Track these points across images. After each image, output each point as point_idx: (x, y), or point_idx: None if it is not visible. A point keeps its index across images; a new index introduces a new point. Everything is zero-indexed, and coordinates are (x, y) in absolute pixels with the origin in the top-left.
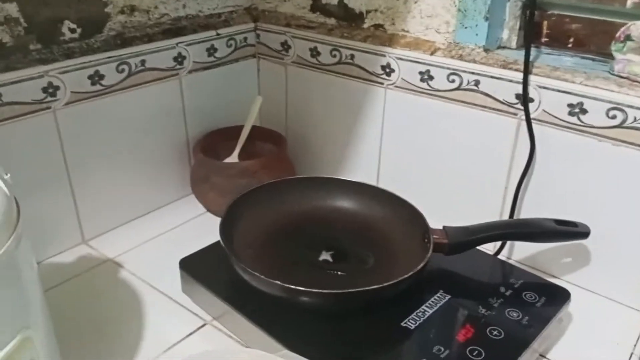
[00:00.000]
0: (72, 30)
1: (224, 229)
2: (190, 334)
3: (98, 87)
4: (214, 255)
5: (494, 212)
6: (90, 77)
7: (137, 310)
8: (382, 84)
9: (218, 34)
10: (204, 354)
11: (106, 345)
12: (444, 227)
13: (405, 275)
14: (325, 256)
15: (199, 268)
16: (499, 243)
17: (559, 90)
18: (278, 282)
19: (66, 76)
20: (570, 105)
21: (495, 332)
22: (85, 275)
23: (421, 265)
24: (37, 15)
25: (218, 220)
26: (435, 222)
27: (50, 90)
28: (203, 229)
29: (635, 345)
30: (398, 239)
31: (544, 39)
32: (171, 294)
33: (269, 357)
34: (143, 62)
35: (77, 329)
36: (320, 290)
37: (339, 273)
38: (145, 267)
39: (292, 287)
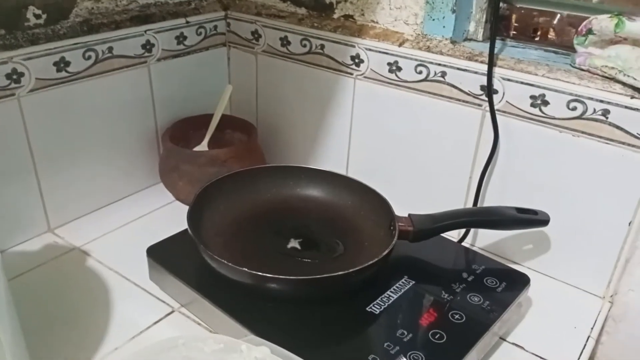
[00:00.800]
0: (37, 16)
1: (191, 216)
2: (158, 320)
3: (64, 74)
4: (182, 244)
5: (459, 200)
6: (55, 63)
7: (104, 299)
8: (352, 74)
9: (187, 22)
10: (171, 339)
11: (74, 333)
12: (409, 214)
13: (370, 262)
14: (294, 244)
15: (167, 256)
16: (462, 230)
17: (522, 82)
18: (245, 269)
19: (31, 62)
20: (532, 97)
21: (457, 316)
22: (52, 264)
23: (386, 252)
24: (1, 1)
25: (187, 208)
26: (402, 210)
27: (15, 77)
28: (171, 218)
29: (592, 329)
30: (365, 227)
31: (512, 32)
32: (139, 281)
33: (235, 342)
34: (110, 49)
35: (43, 318)
36: (286, 277)
37: (307, 260)
38: (113, 256)
39: (259, 273)
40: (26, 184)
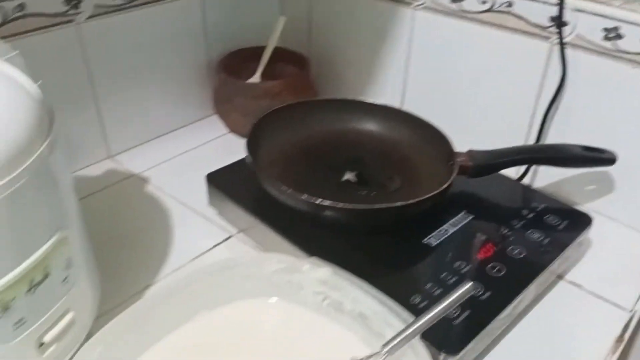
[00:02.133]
0: None
1: (249, 145)
2: (217, 244)
3: (121, 0)
4: (240, 172)
5: (520, 137)
6: None
7: (164, 223)
8: (410, 4)
9: None
10: (234, 258)
11: (137, 254)
12: (469, 150)
13: (430, 194)
14: (349, 176)
15: (226, 182)
16: (522, 169)
17: (595, 14)
18: (304, 197)
19: None
20: (605, 29)
21: (516, 252)
22: (112, 189)
23: (445, 185)
24: None
25: (240, 140)
26: (459, 146)
27: (74, 2)
28: (226, 149)
29: None
30: (422, 162)
31: None
32: (197, 208)
33: (298, 262)
34: None
35: (107, 238)
36: (346, 206)
37: (363, 193)
38: (171, 183)
39: (318, 202)
40: (87, 111)
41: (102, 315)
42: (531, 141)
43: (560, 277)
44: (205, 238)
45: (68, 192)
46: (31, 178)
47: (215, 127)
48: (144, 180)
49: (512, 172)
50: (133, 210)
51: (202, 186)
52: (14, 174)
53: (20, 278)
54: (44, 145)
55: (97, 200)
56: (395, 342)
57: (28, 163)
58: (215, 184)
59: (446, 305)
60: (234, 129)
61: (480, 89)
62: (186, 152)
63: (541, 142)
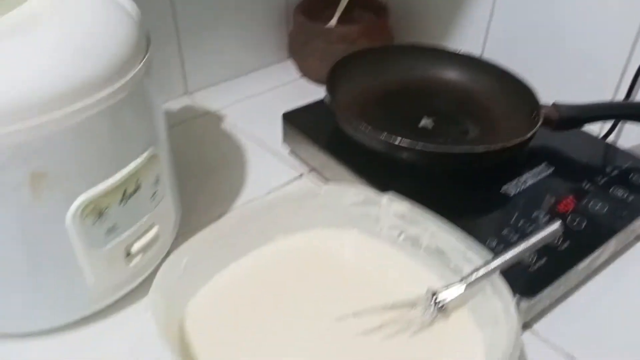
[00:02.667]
0: None
1: (329, 84)
2: (290, 182)
3: None
4: (315, 112)
5: (608, 93)
6: None
7: (238, 159)
8: None
9: None
10: (313, 187)
11: (212, 184)
12: (554, 102)
13: (513, 142)
14: (425, 123)
15: (301, 121)
16: (607, 126)
17: None
18: (383, 136)
19: None
20: None
21: (598, 207)
22: (189, 124)
23: (529, 134)
24: None
25: (313, 85)
26: (542, 99)
27: None
28: (300, 92)
29: None
30: (502, 113)
31: None
32: (271, 146)
33: (376, 195)
34: None
35: (185, 169)
36: (425, 148)
37: (440, 140)
38: (246, 121)
39: (397, 141)
40: (169, 46)
41: (181, 236)
42: (619, 98)
43: (638, 238)
44: (278, 175)
45: (159, 112)
46: (130, 93)
47: (290, 71)
48: (219, 118)
49: (596, 130)
50: (208, 146)
51: (276, 126)
52: (115, 87)
53: (115, 187)
54: (141, 64)
55: (175, 133)
56: (475, 276)
57: (127, 78)
58: (291, 122)
59: (532, 244)
60: (307, 73)
61: (568, 39)
62: (261, 94)
63: (631, 100)
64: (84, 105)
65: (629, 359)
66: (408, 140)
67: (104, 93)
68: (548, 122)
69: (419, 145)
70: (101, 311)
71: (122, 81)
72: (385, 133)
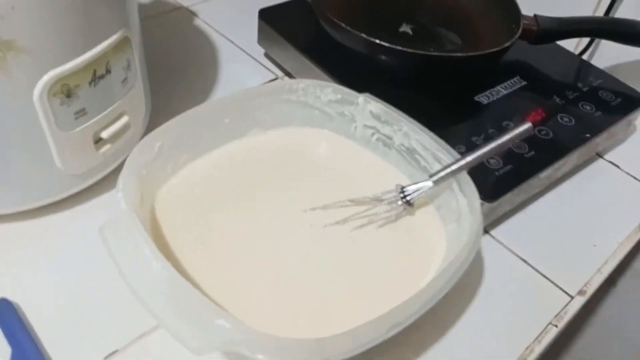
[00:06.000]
0: None
1: None
2: (264, 83)
3: None
4: (295, 10)
5: (588, 8)
6: None
7: (211, 58)
8: None
9: None
10: (292, 82)
11: (183, 81)
12: (535, 14)
13: (490, 50)
14: (405, 28)
15: (279, 20)
16: (583, 43)
17: None
18: (363, 36)
19: None
20: None
21: (566, 119)
22: (161, 18)
23: (507, 44)
24: None
25: None
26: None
27: None
28: None
29: None
30: (484, 22)
31: None
32: (245, 46)
33: (353, 94)
34: None
35: (157, 62)
36: (405, 49)
37: (419, 45)
38: (220, 18)
39: (377, 41)
40: None
41: (151, 130)
42: (599, 14)
43: (600, 155)
44: (252, 76)
45: None
46: None
47: None
48: (192, 14)
49: (572, 47)
50: (180, 42)
51: (251, 24)
52: None
53: (85, 66)
54: None
55: (146, 27)
56: (443, 172)
57: None
58: (267, 21)
59: (504, 141)
60: None
61: None
62: None
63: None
64: None
65: (578, 268)
66: (387, 43)
67: None
68: (527, 34)
69: (398, 47)
70: (71, 198)
71: None
72: (364, 34)
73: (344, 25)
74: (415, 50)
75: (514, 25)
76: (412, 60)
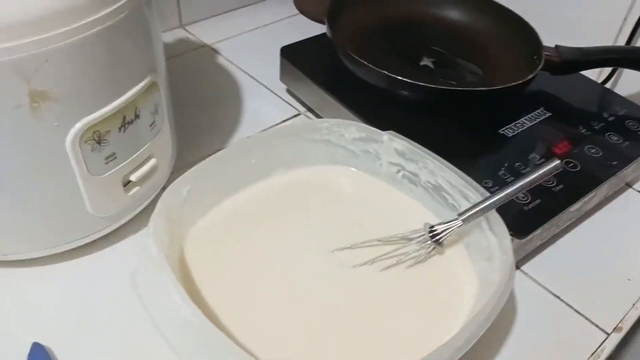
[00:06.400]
0: None
1: (329, 18)
2: (287, 119)
3: None
4: (315, 48)
5: (609, 38)
6: None
7: (234, 94)
8: None
9: None
10: (315, 121)
11: (207, 119)
12: (556, 45)
13: (514, 82)
14: (427, 62)
15: (300, 57)
16: (606, 73)
17: None
18: (385, 72)
19: None
20: None
21: (593, 151)
22: (184, 57)
23: (530, 75)
24: None
25: (312, 21)
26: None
27: None
28: (299, 27)
29: None
30: (504, 54)
31: None
32: (267, 83)
33: (377, 132)
34: None
35: (181, 101)
36: (427, 85)
37: (440, 79)
38: (242, 56)
39: (400, 78)
40: None
41: (178, 171)
42: (621, 43)
43: (629, 185)
44: (275, 113)
45: (158, 39)
46: (128, 14)
47: (286, 6)
48: (215, 52)
49: (595, 76)
50: (203, 81)
51: (272, 61)
52: (114, 7)
53: (115, 113)
54: None
55: (170, 67)
56: (472, 210)
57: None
58: (289, 58)
59: (532, 179)
60: (304, 9)
61: None
62: (257, 28)
63: (632, 45)
64: (82, 23)
65: (613, 304)
66: (409, 80)
67: (102, 12)
68: (549, 65)
69: (421, 82)
70: (101, 239)
71: (121, 1)
72: (386, 71)
73: (365, 62)
74: (437, 85)
75: (535, 57)
76: (435, 95)
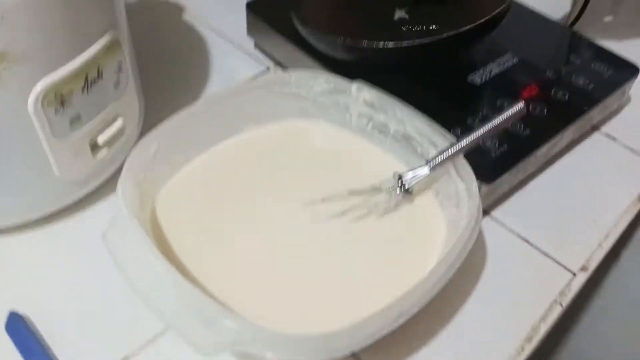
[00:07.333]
0: None
1: None
2: (256, 75)
3: None
4: (282, 1)
5: None
6: None
7: (202, 51)
8: None
9: None
10: (283, 75)
11: (174, 77)
12: None
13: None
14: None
15: (268, 10)
16: (574, 14)
17: None
18: (364, 43)
19: None
20: None
21: (560, 94)
22: (149, 14)
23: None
24: None
25: None
26: None
27: None
28: None
29: None
30: None
31: None
32: (235, 38)
33: (346, 83)
34: None
35: (146, 59)
36: (409, 43)
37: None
38: (209, 11)
39: (375, 45)
40: None
41: (147, 132)
42: None
43: (596, 127)
44: (244, 68)
45: None
46: None
47: None
48: (179, 8)
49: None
50: (169, 37)
51: (239, 17)
52: None
53: (76, 73)
54: None
55: (133, 24)
56: (440, 158)
57: None
58: (256, 12)
59: (497, 124)
60: None
61: None
62: None
63: None
64: None
65: (581, 243)
66: (388, 42)
67: None
68: None
69: (404, 43)
70: (72, 206)
71: None
72: (366, 41)
73: (335, 39)
74: (414, 42)
75: None
76: (400, 52)
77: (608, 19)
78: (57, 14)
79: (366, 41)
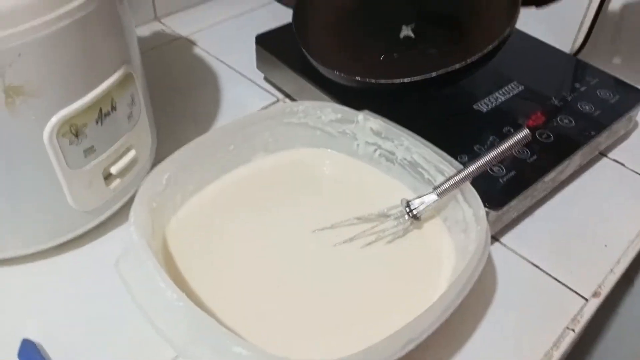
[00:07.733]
0: None
1: (297, 10)
2: (265, 107)
3: None
4: (290, 34)
5: None
6: None
7: (213, 85)
8: None
9: None
10: (291, 104)
11: (186, 110)
12: None
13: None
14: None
15: (276, 44)
16: (579, 43)
17: None
18: (358, 78)
19: None
20: None
21: (566, 121)
22: (161, 49)
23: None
24: None
25: (286, 8)
26: None
27: None
28: (274, 15)
29: None
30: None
31: None
32: (244, 72)
33: (352, 112)
34: None
35: (159, 93)
36: (393, 81)
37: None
38: (218, 46)
39: (367, 79)
40: None
41: (159, 162)
42: None
43: (603, 154)
44: (253, 99)
45: (131, 30)
46: (99, 5)
47: None
48: (191, 43)
49: (567, 48)
50: (181, 72)
51: (249, 50)
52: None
53: (91, 106)
54: None
55: (146, 60)
56: (447, 184)
57: None
58: (264, 46)
59: (502, 150)
60: None
61: None
62: (232, 18)
63: None
64: (53, 16)
65: (592, 269)
66: (377, 81)
67: (73, 4)
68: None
69: (396, 79)
70: (85, 235)
71: None
72: (359, 77)
73: (332, 70)
74: (414, 78)
75: None
76: (405, 86)
77: (611, 47)
78: (72, 50)
79: (373, 79)
